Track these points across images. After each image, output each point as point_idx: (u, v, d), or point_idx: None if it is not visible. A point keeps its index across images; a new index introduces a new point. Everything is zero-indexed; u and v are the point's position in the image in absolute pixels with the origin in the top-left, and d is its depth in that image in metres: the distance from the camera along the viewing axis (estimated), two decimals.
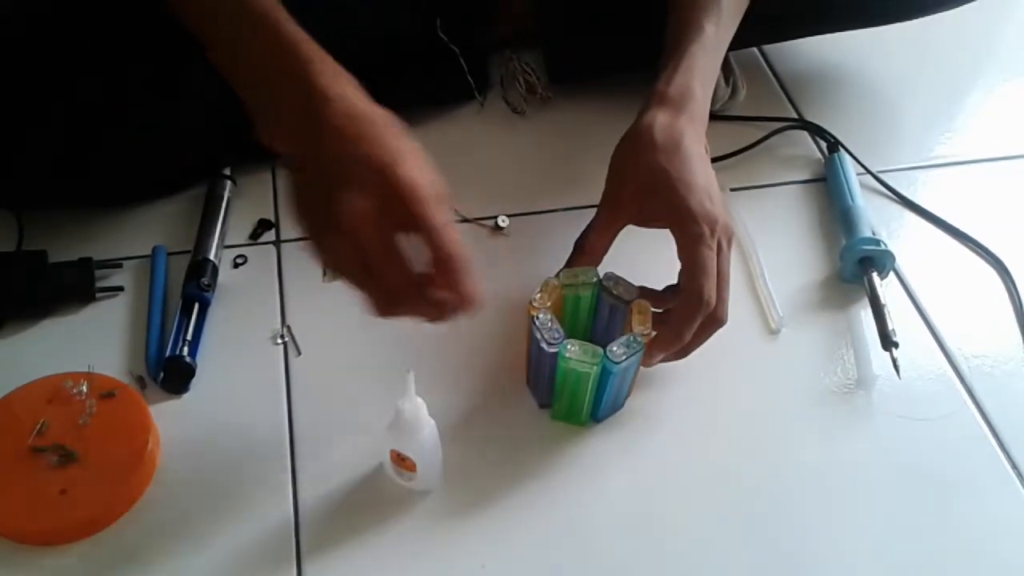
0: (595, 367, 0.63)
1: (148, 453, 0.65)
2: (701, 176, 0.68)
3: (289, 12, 0.62)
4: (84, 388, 0.67)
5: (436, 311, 0.59)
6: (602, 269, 0.69)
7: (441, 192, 0.58)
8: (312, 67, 0.59)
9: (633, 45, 0.82)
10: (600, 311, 0.70)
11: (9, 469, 0.63)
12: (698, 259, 0.65)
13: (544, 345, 0.64)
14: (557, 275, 0.68)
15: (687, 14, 0.75)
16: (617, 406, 0.70)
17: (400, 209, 0.56)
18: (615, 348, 0.63)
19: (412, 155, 0.58)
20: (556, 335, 0.64)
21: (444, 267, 0.57)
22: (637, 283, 0.68)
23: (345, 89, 0.59)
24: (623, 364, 0.63)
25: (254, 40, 0.61)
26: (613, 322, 0.69)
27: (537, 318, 0.64)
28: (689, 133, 0.69)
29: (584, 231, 0.72)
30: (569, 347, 0.63)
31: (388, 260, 0.57)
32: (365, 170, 0.56)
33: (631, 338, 0.64)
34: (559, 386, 0.66)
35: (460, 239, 0.57)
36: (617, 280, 0.68)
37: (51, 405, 0.66)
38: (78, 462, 0.63)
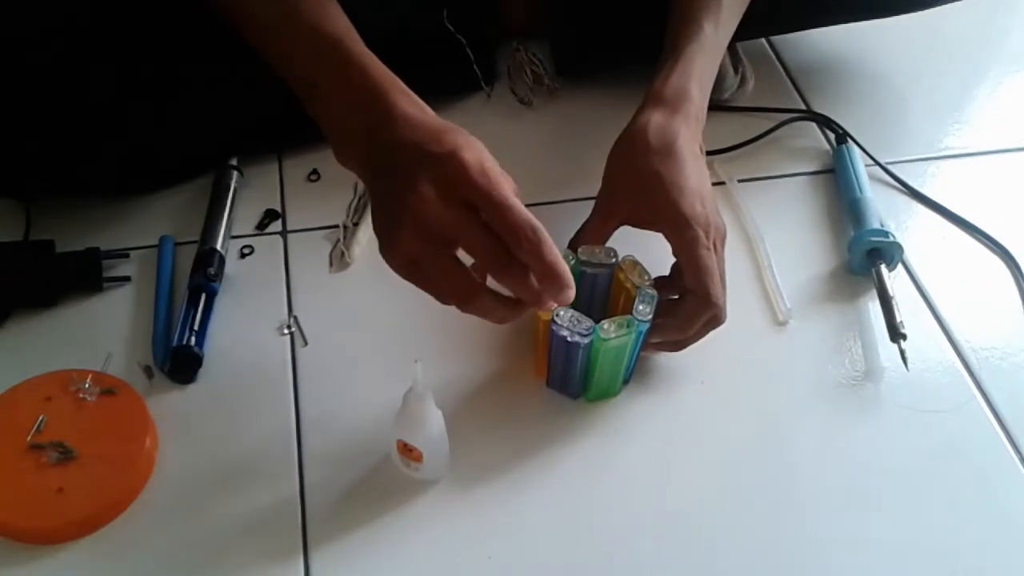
0: (631, 334, 0.64)
1: (146, 451, 0.65)
2: (694, 179, 0.68)
3: None
4: (84, 385, 0.67)
5: (521, 288, 0.57)
6: None
7: (509, 182, 0.58)
8: (389, 95, 0.60)
9: (640, 36, 0.82)
10: (581, 286, 0.69)
11: (7, 466, 0.63)
12: (700, 263, 0.66)
13: (578, 339, 0.63)
14: None
15: (686, 12, 0.75)
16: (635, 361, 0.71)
17: (462, 187, 0.55)
18: (640, 307, 0.64)
19: (477, 147, 0.57)
20: (587, 324, 0.64)
21: (515, 240, 0.54)
22: None
23: (420, 112, 0.60)
24: (651, 320, 0.64)
25: (328, 68, 0.62)
26: (597, 289, 0.69)
27: (558, 316, 0.64)
28: (684, 134, 0.69)
29: (578, 231, 0.72)
30: (605, 327, 0.63)
31: (461, 231, 0.56)
32: (430, 162, 0.56)
33: (643, 293, 0.65)
34: (596, 370, 0.67)
35: (530, 215, 0.55)
36: (592, 250, 0.69)
37: (51, 402, 0.66)
38: (76, 460, 0.63)
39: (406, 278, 0.59)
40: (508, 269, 0.56)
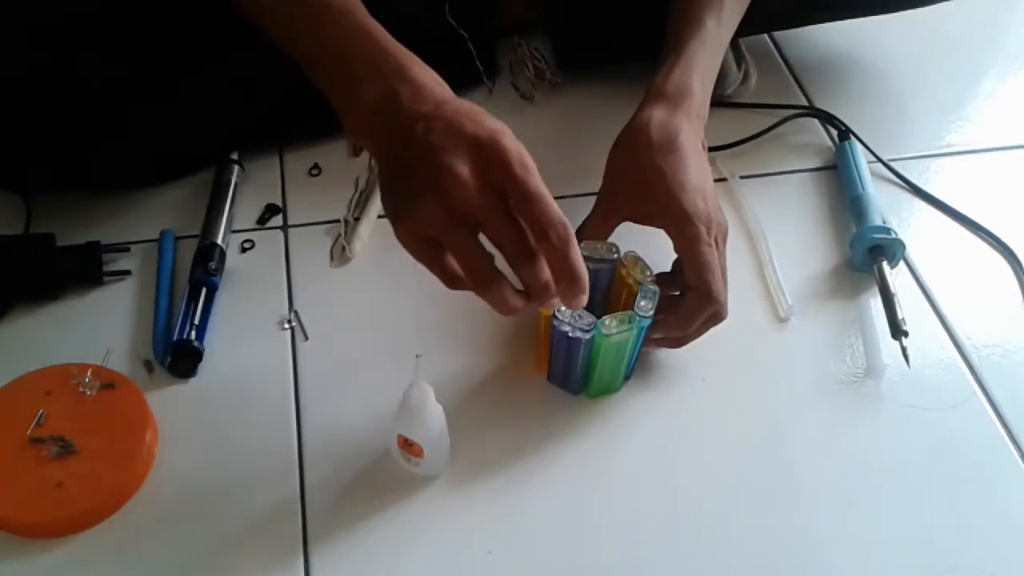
0: (632, 330, 0.64)
1: (146, 445, 0.65)
2: (695, 175, 0.68)
3: None
4: (85, 379, 0.67)
5: (538, 287, 0.56)
6: None
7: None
8: (409, 70, 0.59)
9: (642, 31, 0.82)
10: None
11: (7, 460, 0.63)
12: (702, 259, 0.66)
13: (580, 334, 0.63)
14: None
15: (688, 8, 0.75)
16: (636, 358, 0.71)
17: (500, 173, 0.54)
18: (641, 303, 0.64)
19: (511, 134, 0.56)
20: (588, 319, 0.63)
21: (544, 235, 0.53)
22: None
23: (439, 87, 0.59)
24: (652, 316, 0.64)
25: (337, 37, 0.61)
26: (598, 285, 0.69)
27: (559, 311, 0.63)
28: (685, 130, 0.69)
29: (579, 227, 0.72)
30: (606, 323, 0.63)
31: (490, 216, 0.54)
32: (465, 140, 0.55)
33: (645, 289, 0.65)
34: (597, 366, 0.67)
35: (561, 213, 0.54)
36: (594, 246, 0.68)
37: (51, 396, 0.66)
38: (76, 454, 0.63)
39: (416, 255, 0.57)
40: (530, 261, 0.55)
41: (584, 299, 0.56)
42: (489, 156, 0.54)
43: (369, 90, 0.59)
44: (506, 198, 0.55)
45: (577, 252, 0.54)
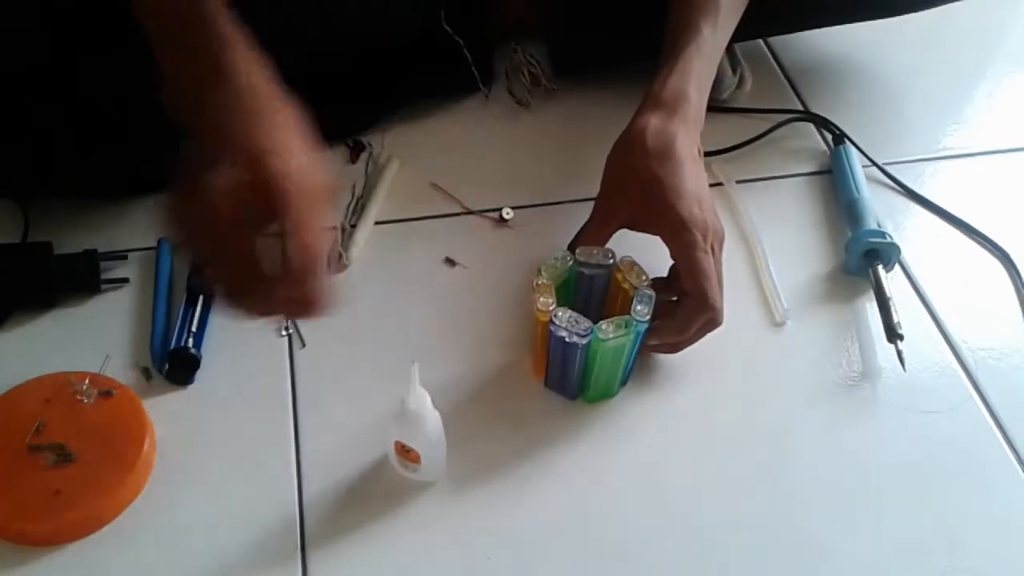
0: (629, 335, 0.64)
1: (144, 453, 0.65)
2: (691, 182, 0.68)
3: (299, 7, 0.61)
4: (83, 387, 0.67)
5: (282, 308, 0.57)
6: None
7: (323, 193, 0.56)
8: (224, 43, 0.57)
9: (638, 38, 0.82)
10: (579, 287, 0.70)
11: (5, 468, 0.63)
12: (698, 265, 0.66)
13: (576, 339, 0.64)
14: (540, 273, 0.67)
15: (684, 15, 0.75)
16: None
17: (263, 198, 0.54)
18: (638, 307, 0.65)
19: (297, 148, 0.56)
20: (585, 324, 0.64)
21: (290, 265, 0.54)
22: None
23: (252, 70, 0.57)
24: (648, 320, 0.65)
25: (174, 11, 0.59)
26: (594, 290, 0.70)
27: (556, 317, 0.64)
28: (681, 137, 0.69)
29: (577, 235, 0.72)
30: (603, 327, 0.64)
31: (236, 244, 0.55)
32: (241, 153, 0.54)
33: (641, 293, 0.65)
34: (594, 370, 0.67)
35: (320, 242, 0.55)
36: (590, 251, 0.69)
37: (49, 404, 0.66)
38: (74, 462, 0.63)
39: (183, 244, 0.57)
40: (244, 302, 0.56)
41: (319, 314, 0.57)
42: (253, 176, 0.54)
43: (192, 73, 0.58)
44: (261, 223, 0.55)
45: (316, 280, 0.55)
